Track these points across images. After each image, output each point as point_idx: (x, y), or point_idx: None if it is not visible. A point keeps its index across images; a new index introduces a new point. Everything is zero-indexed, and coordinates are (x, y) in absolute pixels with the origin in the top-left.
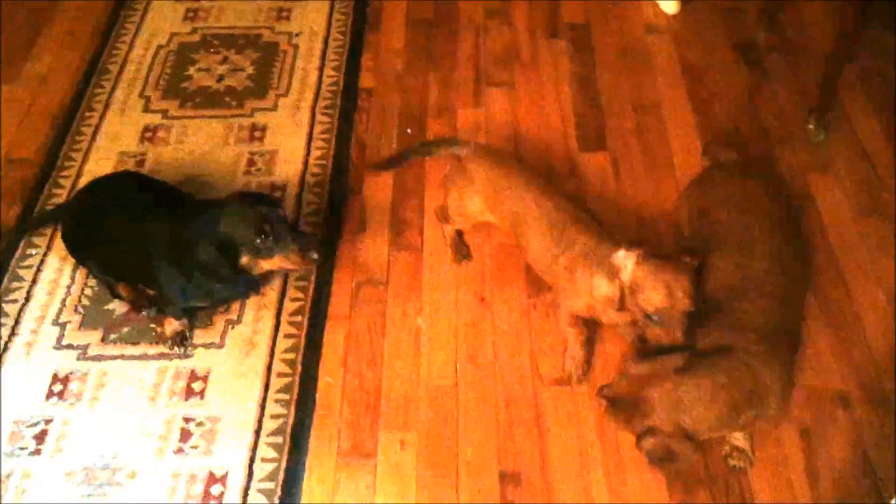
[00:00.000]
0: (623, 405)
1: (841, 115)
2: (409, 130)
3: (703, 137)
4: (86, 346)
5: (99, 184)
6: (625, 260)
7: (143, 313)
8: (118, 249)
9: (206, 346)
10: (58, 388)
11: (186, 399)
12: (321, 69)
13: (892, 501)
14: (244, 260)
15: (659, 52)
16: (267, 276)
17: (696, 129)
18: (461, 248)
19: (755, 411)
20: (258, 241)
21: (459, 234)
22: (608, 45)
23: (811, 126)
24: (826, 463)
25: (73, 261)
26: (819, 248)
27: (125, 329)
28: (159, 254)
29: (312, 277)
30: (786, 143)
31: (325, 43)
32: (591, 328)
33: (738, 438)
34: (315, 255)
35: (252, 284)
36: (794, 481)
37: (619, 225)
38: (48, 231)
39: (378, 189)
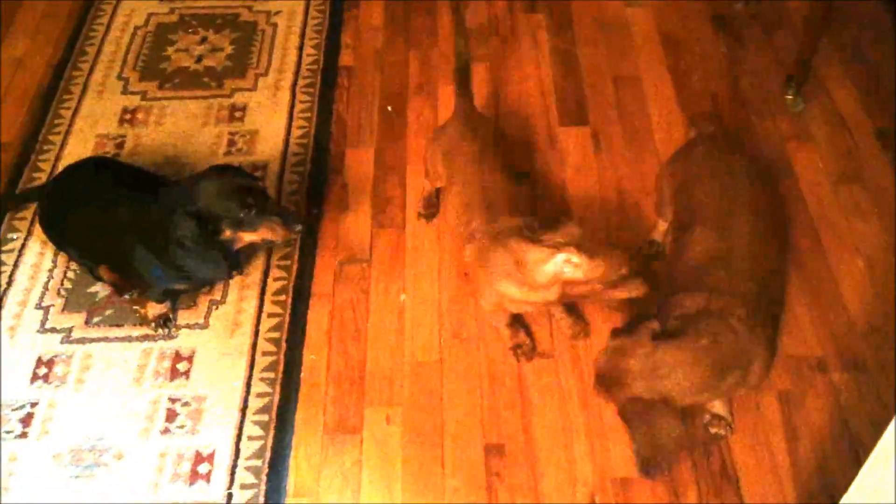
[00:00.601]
0: (608, 381)
1: (818, 85)
2: (389, 108)
3: (683, 109)
4: (69, 329)
5: (71, 170)
6: (561, 266)
7: (126, 296)
8: (94, 235)
9: (191, 326)
10: (42, 371)
11: (171, 380)
12: (300, 48)
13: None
14: (227, 233)
15: (638, 25)
16: (249, 255)
17: (675, 101)
18: (429, 207)
19: (738, 377)
20: (241, 213)
21: (437, 193)
22: (587, 18)
23: (790, 96)
24: (805, 428)
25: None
26: (797, 216)
27: (108, 311)
28: (135, 238)
29: (295, 256)
30: (764, 113)
31: (304, 21)
32: None
33: (718, 406)
34: (299, 226)
35: (233, 263)
36: (773, 446)
37: (598, 200)
38: (28, 215)
39: (359, 167)
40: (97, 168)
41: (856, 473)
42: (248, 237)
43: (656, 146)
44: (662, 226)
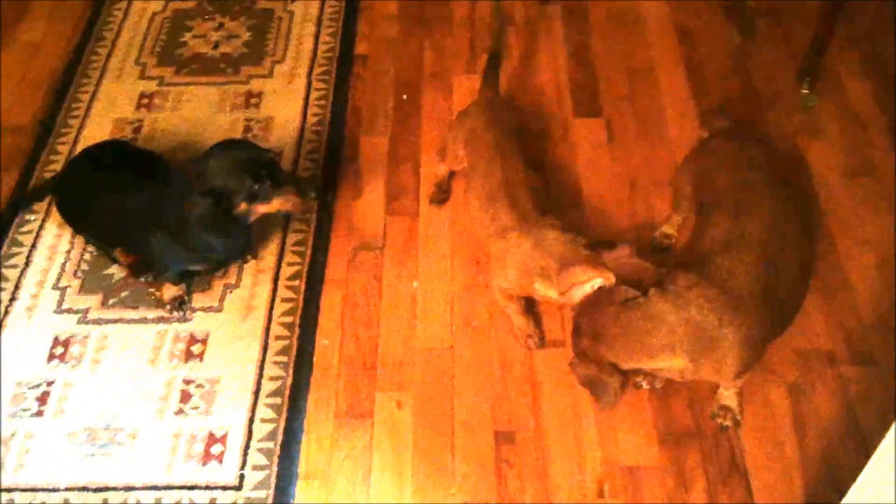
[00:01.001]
0: (579, 330)
1: (831, 79)
2: (404, 96)
3: (697, 101)
4: (86, 310)
5: (87, 153)
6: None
7: (142, 279)
8: (109, 219)
9: (205, 309)
10: (59, 350)
11: (186, 361)
12: (317, 35)
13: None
14: (242, 207)
15: (652, 17)
16: (264, 238)
17: (689, 94)
18: (440, 193)
19: (703, 364)
20: (256, 185)
21: (449, 178)
22: (602, 10)
23: (804, 91)
24: (813, 420)
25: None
26: (809, 210)
27: (124, 293)
28: (150, 220)
29: (309, 242)
30: (777, 106)
31: (320, 9)
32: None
33: (725, 397)
34: (314, 195)
35: (246, 243)
36: (781, 438)
37: (610, 191)
38: (46, 197)
39: (373, 154)
40: (112, 151)
41: (863, 466)
42: (263, 209)
43: (669, 138)
44: (676, 218)
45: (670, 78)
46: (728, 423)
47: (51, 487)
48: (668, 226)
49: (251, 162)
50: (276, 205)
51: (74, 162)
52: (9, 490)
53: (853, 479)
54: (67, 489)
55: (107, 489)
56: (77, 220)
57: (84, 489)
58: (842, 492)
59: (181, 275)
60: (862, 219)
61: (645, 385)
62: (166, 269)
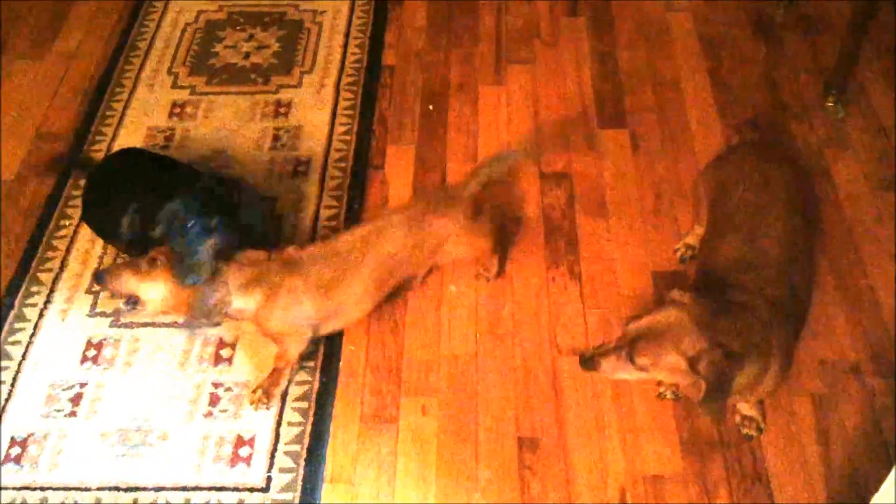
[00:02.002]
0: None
1: (858, 91)
2: (431, 107)
3: (722, 113)
4: (118, 314)
5: (107, 164)
6: None
7: None
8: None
9: None
10: (92, 353)
11: (215, 365)
12: (345, 46)
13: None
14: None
15: (678, 29)
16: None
17: (714, 105)
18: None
19: (753, 375)
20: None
21: None
22: (628, 22)
23: (830, 103)
24: (838, 431)
25: None
26: (834, 222)
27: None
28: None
29: None
30: (803, 118)
31: (349, 20)
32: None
33: (747, 407)
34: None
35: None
36: (805, 448)
37: (635, 201)
38: (80, 203)
39: (401, 164)
40: (134, 159)
41: (886, 479)
42: None
43: (695, 149)
44: (699, 230)
45: (696, 89)
46: (753, 432)
47: (83, 487)
48: (691, 236)
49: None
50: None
51: (97, 172)
52: (42, 489)
53: (877, 490)
54: (99, 489)
55: (137, 489)
56: (104, 232)
57: (115, 489)
58: (865, 502)
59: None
60: (888, 231)
61: (669, 395)
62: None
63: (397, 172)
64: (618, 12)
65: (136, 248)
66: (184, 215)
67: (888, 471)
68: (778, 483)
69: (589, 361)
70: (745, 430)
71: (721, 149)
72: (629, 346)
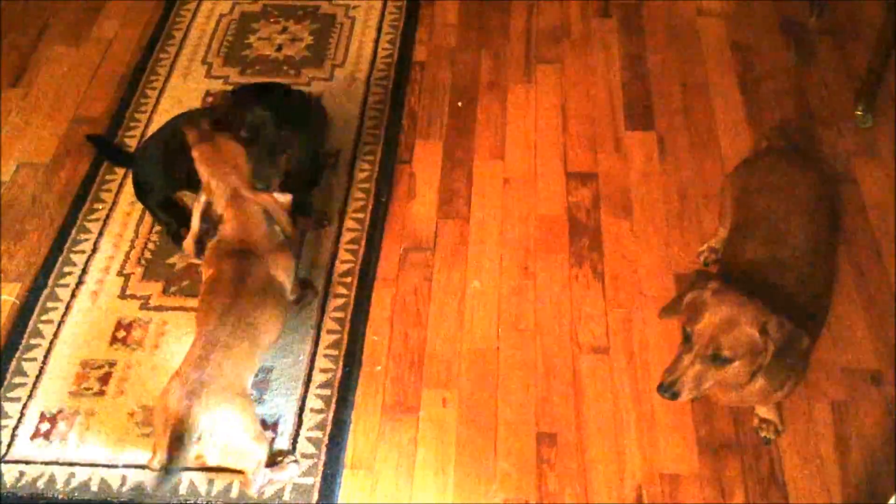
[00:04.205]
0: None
1: (888, 101)
2: (460, 104)
3: (750, 118)
4: (148, 297)
5: (169, 126)
6: None
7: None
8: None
9: None
10: (121, 334)
11: None
12: (376, 41)
13: None
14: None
15: (709, 33)
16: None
17: (743, 110)
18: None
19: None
20: None
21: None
22: (658, 25)
23: (859, 112)
24: (856, 438)
25: (136, 216)
26: (859, 231)
27: (185, 282)
28: None
29: (362, 241)
30: (831, 126)
31: (381, 16)
32: None
33: (766, 411)
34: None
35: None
36: (823, 454)
37: (660, 204)
38: (114, 187)
39: (428, 159)
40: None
41: None
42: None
43: (722, 154)
44: (722, 233)
45: (725, 94)
46: (771, 435)
47: (110, 464)
48: (714, 240)
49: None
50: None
51: (156, 135)
52: (70, 464)
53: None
54: (125, 466)
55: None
56: (151, 192)
57: (141, 467)
58: None
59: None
60: None
61: (771, 436)
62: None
63: (425, 167)
64: (649, 15)
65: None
66: (272, 125)
67: None
68: (794, 487)
69: (670, 389)
70: (763, 433)
71: (748, 154)
72: (710, 348)
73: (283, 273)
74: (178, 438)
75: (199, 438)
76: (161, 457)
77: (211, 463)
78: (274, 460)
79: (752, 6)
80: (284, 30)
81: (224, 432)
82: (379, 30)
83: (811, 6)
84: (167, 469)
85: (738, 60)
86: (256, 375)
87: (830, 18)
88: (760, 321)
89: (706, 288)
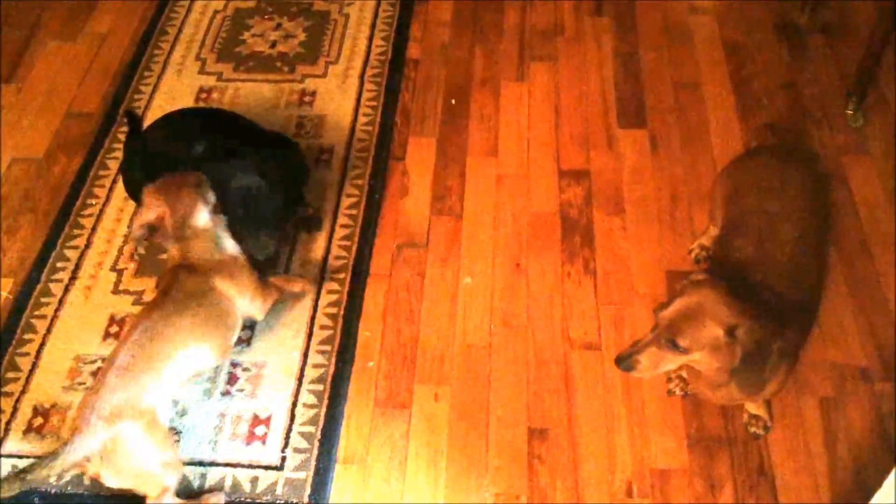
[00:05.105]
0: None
1: (879, 100)
2: (453, 101)
3: (742, 116)
4: (141, 293)
5: (158, 125)
6: None
7: None
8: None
9: None
10: (114, 329)
11: (234, 345)
12: (370, 38)
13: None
14: None
15: (701, 31)
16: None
17: (735, 108)
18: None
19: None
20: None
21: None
22: (651, 24)
23: (850, 111)
24: (844, 434)
25: (130, 211)
26: (850, 228)
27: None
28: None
29: (355, 237)
30: (823, 124)
31: (375, 13)
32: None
33: (755, 407)
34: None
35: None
36: (811, 448)
37: (651, 201)
38: (107, 182)
39: (421, 156)
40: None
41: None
42: None
43: (713, 152)
44: (713, 231)
45: (717, 92)
46: (760, 431)
47: None
48: (705, 237)
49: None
50: None
51: (148, 130)
52: None
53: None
54: None
55: None
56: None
57: None
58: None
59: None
60: None
61: (678, 392)
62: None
63: (418, 164)
64: (642, 13)
65: None
66: (263, 193)
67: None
68: (783, 482)
69: (627, 360)
70: (752, 429)
71: (739, 152)
72: (667, 332)
73: (234, 287)
74: (53, 452)
75: (87, 459)
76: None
77: (109, 485)
78: (197, 494)
79: (745, 4)
80: (278, 26)
81: (120, 454)
82: (373, 27)
83: (803, 5)
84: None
85: (730, 58)
86: (250, 371)
87: (822, 17)
88: (728, 323)
89: (689, 278)
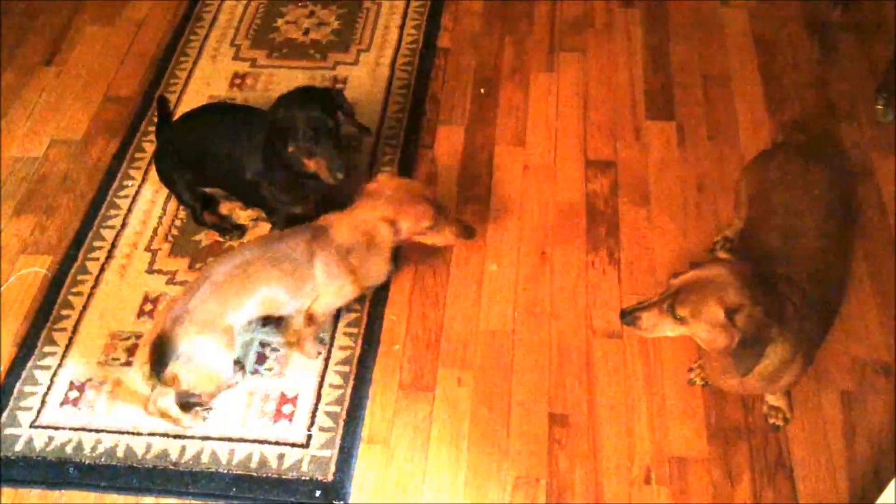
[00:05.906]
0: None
1: None
2: (482, 90)
3: (771, 111)
4: (174, 272)
5: (193, 113)
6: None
7: (227, 237)
8: (214, 165)
9: None
10: (148, 307)
11: (263, 325)
12: (402, 27)
13: None
14: (290, 149)
15: (732, 25)
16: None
17: (763, 103)
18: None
19: (781, 360)
20: (300, 137)
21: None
22: (682, 16)
23: (880, 106)
24: (863, 428)
25: (165, 193)
26: (876, 224)
27: (210, 259)
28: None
29: None
30: (851, 120)
31: (407, 2)
32: None
33: (774, 398)
34: (340, 175)
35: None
36: (830, 442)
37: (677, 193)
38: (143, 164)
39: (450, 144)
40: (213, 111)
41: None
42: (307, 162)
43: (741, 145)
44: (738, 224)
45: (746, 86)
46: (780, 422)
47: (135, 432)
48: (729, 230)
49: (308, 119)
50: (312, 163)
51: (181, 119)
52: (97, 431)
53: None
54: (150, 434)
55: (184, 437)
56: (174, 173)
57: (165, 435)
58: None
59: (288, 219)
60: None
61: (698, 381)
62: (275, 212)
63: (446, 152)
64: (672, 6)
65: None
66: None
67: None
68: (801, 473)
69: (630, 315)
70: (771, 420)
71: (767, 146)
72: (672, 298)
73: (326, 278)
74: (159, 349)
75: (177, 358)
76: (145, 370)
77: (184, 386)
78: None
79: (776, 1)
80: (312, 14)
81: (200, 359)
82: (404, 15)
83: (834, 2)
84: (154, 374)
85: (760, 52)
86: (279, 351)
87: (853, 13)
88: (730, 304)
89: (719, 254)
